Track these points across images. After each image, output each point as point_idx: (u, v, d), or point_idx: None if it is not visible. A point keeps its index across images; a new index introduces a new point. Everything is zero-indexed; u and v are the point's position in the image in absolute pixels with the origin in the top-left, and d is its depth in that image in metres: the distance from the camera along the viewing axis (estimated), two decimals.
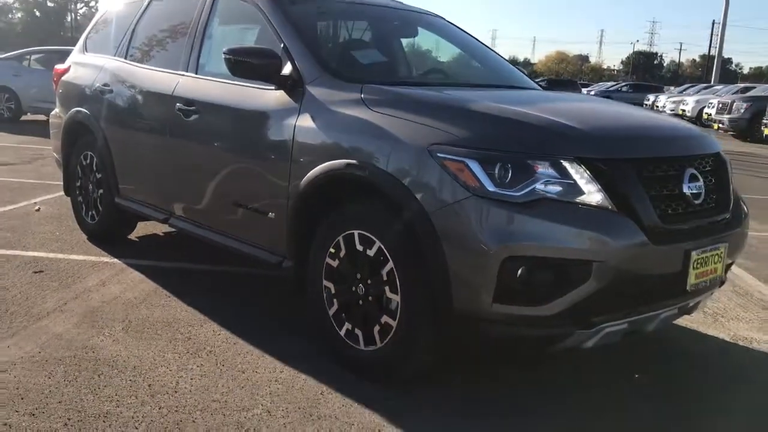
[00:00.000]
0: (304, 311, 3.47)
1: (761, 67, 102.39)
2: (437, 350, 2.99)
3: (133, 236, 5.33)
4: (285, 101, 3.46)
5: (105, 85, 4.89)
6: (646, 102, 35.54)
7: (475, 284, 2.69)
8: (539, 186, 2.67)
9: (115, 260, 4.74)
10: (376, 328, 3.03)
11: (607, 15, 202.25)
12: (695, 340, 3.91)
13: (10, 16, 59.12)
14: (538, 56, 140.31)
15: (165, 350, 3.33)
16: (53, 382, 2.94)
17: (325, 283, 3.25)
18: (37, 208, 6.25)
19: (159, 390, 2.92)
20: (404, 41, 4.49)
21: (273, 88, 3.53)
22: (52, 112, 5.79)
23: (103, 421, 2.64)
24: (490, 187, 2.67)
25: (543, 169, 2.69)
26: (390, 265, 2.94)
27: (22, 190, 7.05)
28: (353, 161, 3.06)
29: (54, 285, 4.18)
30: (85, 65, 5.33)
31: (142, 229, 5.40)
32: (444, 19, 4.79)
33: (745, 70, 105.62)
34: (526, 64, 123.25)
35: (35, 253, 4.82)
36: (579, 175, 2.70)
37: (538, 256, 2.63)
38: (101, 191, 5.00)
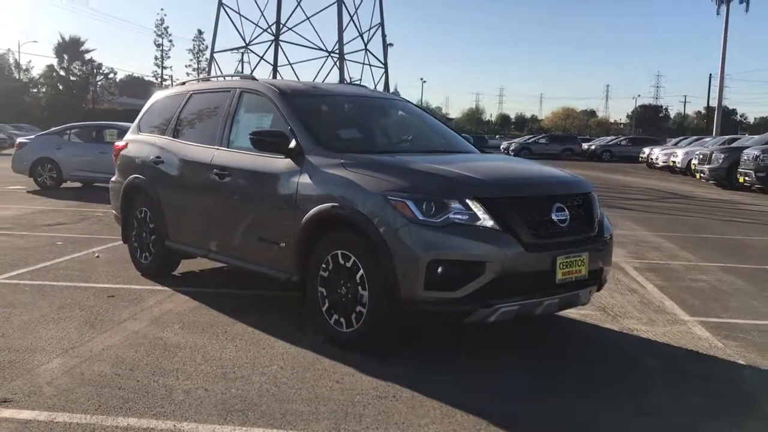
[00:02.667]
0: (304, 312, 4.98)
1: (766, 117, 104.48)
2: (394, 327, 4.50)
3: (176, 272, 6.88)
4: (291, 166, 5.06)
5: (157, 157, 6.53)
6: (641, 155, 37.14)
7: (412, 278, 4.22)
8: (452, 215, 4.23)
9: (166, 288, 6.30)
10: (353, 315, 4.56)
11: (613, 70, 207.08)
12: (593, 329, 5.38)
13: (35, 90, 62.06)
14: (545, 112, 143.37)
15: (211, 338, 4.85)
16: (139, 355, 4.46)
17: (320, 288, 4.78)
18: (96, 255, 7.85)
19: (209, 358, 4.44)
20: (379, 119, 6.13)
21: (282, 157, 5.13)
22: (112, 179, 7.43)
23: (176, 374, 4.15)
24: (420, 217, 4.23)
25: (454, 204, 4.25)
26: (361, 272, 4.48)
27: (80, 242, 8.66)
28: (336, 204, 4.64)
29: (124, 304, 5.74)
30: (140, 142, 7.00)
31: (182, 267, 6.95)
32: (410, 102, 6.46)
33: (750, 120, 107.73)
34: (533, 120, 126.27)
35: (105, 285, 6.39)
36: (477, 208, 4.26)
37: (451, 259, 4.17)
38: (153, 237, 6.59)
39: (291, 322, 5.26)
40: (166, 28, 73.12)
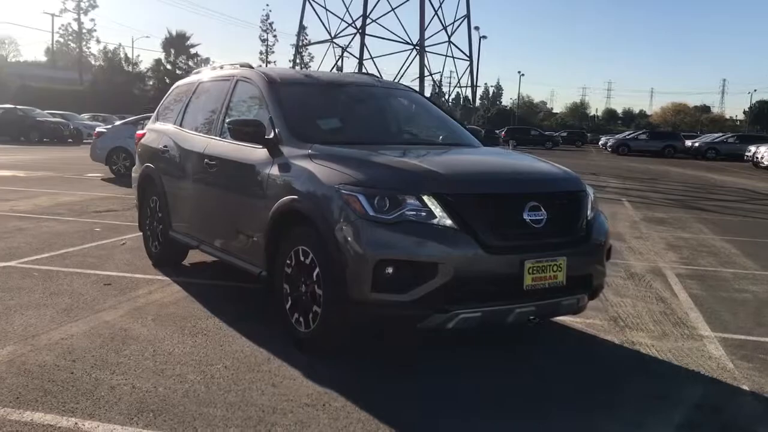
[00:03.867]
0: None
1: None
2: (345, 330, 4.22)
3: (186, 262, 6.83)
4: (266, 157, 4.85)
5: (165, 146, 6.49)
6: (747, 153, 35.00)
7: (360, 279, 3.93)
8: (406, 212, 3.90)
9: (165, 278, 6.25)
10: (310, 315, 4.30)
11: (731, 63, 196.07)
12: (586, 340, 4.91)
13: (142, 84, 64.90)
14: (655, 107, 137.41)
15: (175, 332, 4.72)
16: (93, 346, 4.38)
17: (284, 285, 4.55)
18: (123, 242, 7.94)
19: (159, 353, 4.30)
20: (375, 109, 5.81)
21: (260, 147, 4.92)
22: (133, 168, 7.48)
23: (114, 368, 4.03)
24: (371, 213, 3.92)
25: (410, 201, 3.92)
26: (318, 269, 4.21)
27: (118, 230, 8.80)
28: (296, 197, 4.39)
29: (114, 293, 5.71)
30: (155, 131, 6.99)
31: (197, 258, 6.89)
32: (416, 92, 6.13)
33: None
34: (641, 115, 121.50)
35: (109, 273, 6.41)
36: (433, 205, 3.91)
37: (400, 259, 3.85)
38: (161, 226, 6.55)
39: (270, 319, 5.06)
40: (271, 24, 74.98)
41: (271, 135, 4.88)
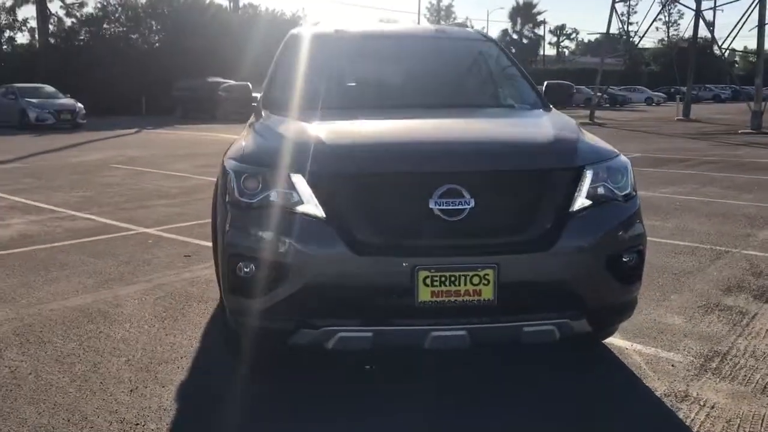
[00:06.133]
0: None
1: None
2: (232, 339, 3.49)
3: None
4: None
5: None
6: None
7: (222, 276, 3.21)
8: (272, 195, 3.05)
9: None
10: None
11: None
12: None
13: None
14: None
15: (145, 314, 4.46)
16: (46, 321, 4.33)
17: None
18: None
19: (96, 336, 4.08)
20: (411, 67, 4.70)
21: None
22: None
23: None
24: (236, 194, 3.15)
25: (276, 180, 3.06)
26: None
27: None
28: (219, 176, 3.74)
29: (183, 264, 5.65)
30: None
31: None
32: (486, 40, 4.89)
33: None
34: None
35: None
36: (302, 186, 2.99)
37: (251, 255, 3.03)
38: None
39: None
40: None
41: (256, 101, 4.29)
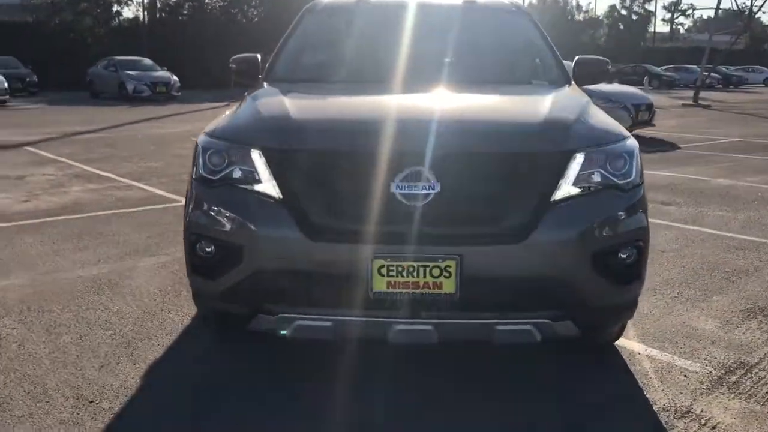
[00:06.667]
0: None
1: None
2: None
3: None
4: None
5: None
6: None
7: (185, 256, 3.08)
8: (234, 173, 2.89)
9: None
10: None
11: None
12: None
13: (592, 31, 63.73)
14: None
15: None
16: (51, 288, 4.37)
17: None
18: None
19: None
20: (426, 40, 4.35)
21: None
22: None
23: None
24: (201, 170, 3.00)
25: (237, 157, 2.89)
26: None
27: None
28: None
29: None
30: None
31: None
32: (517, 11, 4.51)
33: None
34: None
35: None
36: (260, 164, 2.82)
37: (209, 235, 2.88)
38: None
39: None
40: None
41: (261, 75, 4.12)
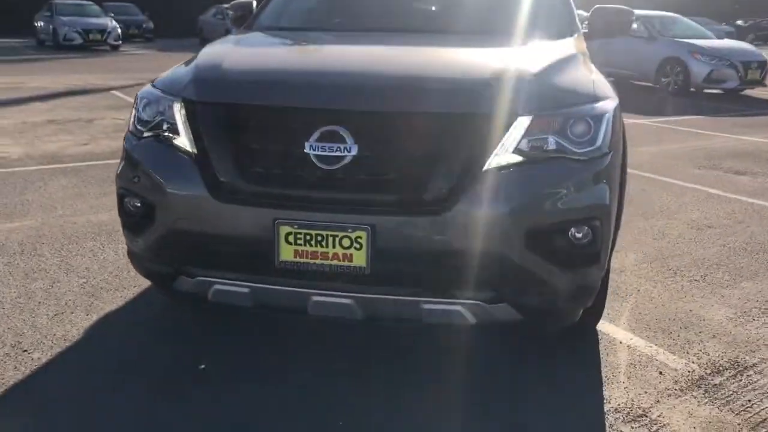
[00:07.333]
0: None
1: None
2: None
3: None
4: None
5: None
6: None
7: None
8: (159, 126, 2.75)
9: None
10: None
11: None
12: None
13: None
14: None
15: None
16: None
17: None
18: None
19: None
20: None
21: None
22: None
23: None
24: (133, 122, 2.89)
25: (164, 108, 2.75)
26: None
27: None
28: None
29: None
30: None
31: None
32: None
33: None
34: None
35: None
36: (180, 117, 2.66)
37: (130, 189, 2.77)
38: None
39: None
40: None
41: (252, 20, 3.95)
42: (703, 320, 3.41)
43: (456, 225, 2.38)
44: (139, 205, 2.73)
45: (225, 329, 3.23)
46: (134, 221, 2.77)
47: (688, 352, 3.08)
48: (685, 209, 5.38)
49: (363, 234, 2.38)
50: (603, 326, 3.28)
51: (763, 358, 3.05)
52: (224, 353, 3.01)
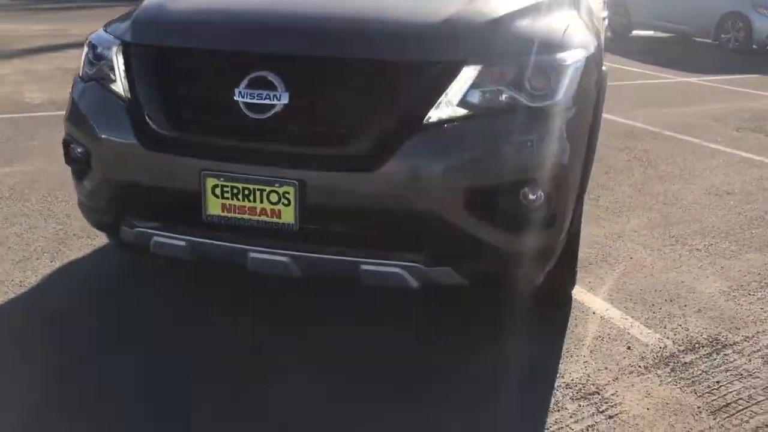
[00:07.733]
0: None
1: None
2: None
3: None
4: None
5: None
6: None
7: None
8: (102, 69, 2.64)
9: None
10: None
11: None
12: None
13: None
14: None
15: None
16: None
17: None
18: None
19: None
20: None
21: None
22: None
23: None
24: (82, 67, 2.78)
25: (106, 52, 2.63)
26: None
27: None
28: None
29: None
30: None
31: None
32: None
33: None
34: None
35: None
36: (117, 62, 2.55)
37: (74, 136, 2.68)
38: None
39: None
40: None
41: None
42: (693, 292, 3.18)
43: (389, 182, 2.21)
44: (80, 151, 2.64)
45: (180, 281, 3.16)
46: (78, 168, 2.69)
47: (665, 327, 2.87)
48: (708, 173, 5.04)
49: (291, 189, 2.24)
50: (580, 295, 3.08)
51: (747, 336, 2.81)
52: (174, 306, 2.94)
